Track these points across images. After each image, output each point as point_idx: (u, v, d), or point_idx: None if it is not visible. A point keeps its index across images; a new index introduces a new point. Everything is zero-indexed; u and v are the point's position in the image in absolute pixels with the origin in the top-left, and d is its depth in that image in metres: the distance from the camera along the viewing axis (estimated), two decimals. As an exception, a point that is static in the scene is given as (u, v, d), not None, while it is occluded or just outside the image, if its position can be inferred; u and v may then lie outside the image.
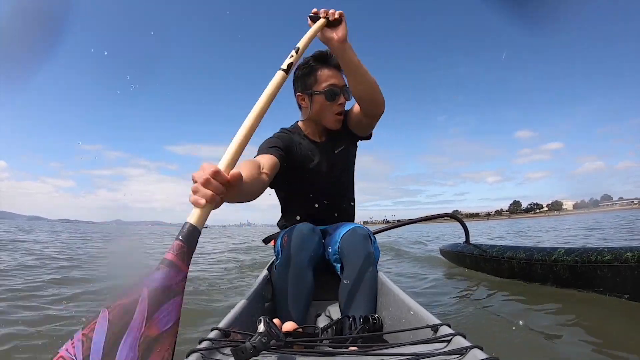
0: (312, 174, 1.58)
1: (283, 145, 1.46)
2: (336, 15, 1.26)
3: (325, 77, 1.53)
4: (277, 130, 1.63)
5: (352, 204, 1.74)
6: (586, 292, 2.10)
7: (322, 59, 1.54)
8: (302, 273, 1.21)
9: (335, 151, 1.62)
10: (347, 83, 1.54)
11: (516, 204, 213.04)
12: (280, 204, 1.73)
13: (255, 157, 1.35)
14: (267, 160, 1.29)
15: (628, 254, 1.84)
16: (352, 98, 1.54)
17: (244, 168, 1.02)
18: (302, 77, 1.57)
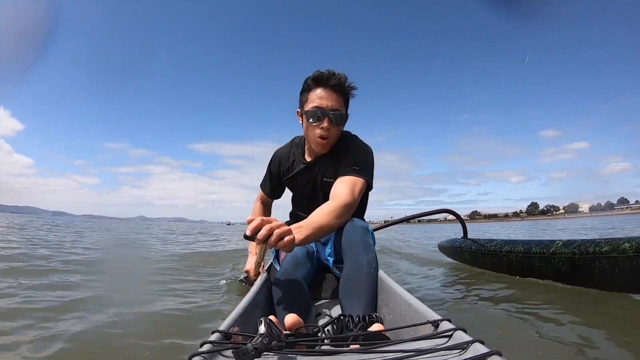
0: (301, 193, 1.73)
1: (273, 174, 1.83)
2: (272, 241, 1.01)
3: (315, 97, 1.50)
4: (293, 137, 1.81)
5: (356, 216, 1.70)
6: (586, 287, 2.10)
7: (318, 80, 1.50)
8: (297, 290, 1.23)
9: (325, 179, 1.61)
10: (339, 108, 1.50)
11: (534, 206, 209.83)
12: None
13: (260, 187, 1.95)
14: (264, 198, 1.93)
15: (626, 244, 1.83)
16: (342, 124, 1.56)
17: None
18: (301, 94, 1.58)
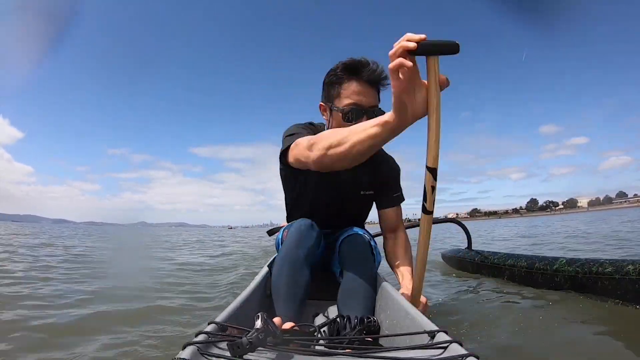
0: (318, 193, 1.50)
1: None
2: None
3: (350, 92, 1.29)
4: (305, 122, 1.52)
5: (359, 223, 1.63)
6: (588, 298, 2.10)
7: (352, 69, 1.29)
8: (298, 269, 1.18)
9: (363, 192, 1.53)
10: (376, 104, 1.31)
11: (533, 202, 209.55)
12: (286, 207, 1.67)
13: (292, 140, 1.23)
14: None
15: (630, 266, 1.85)
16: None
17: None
18: (327, 86, 1.36)
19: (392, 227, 1.56)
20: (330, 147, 0.99)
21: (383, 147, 1.31)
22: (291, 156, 1.21)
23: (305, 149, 1.10)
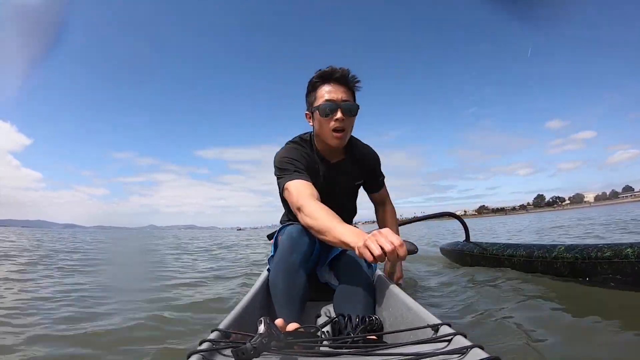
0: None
1: (303, 165, 1.53)
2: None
3: (324, 92, 1.49)
4: (291, 138, 1.68)
5: (350, 217, 1.82)
6: (589, 285, 2.09)
7: (323, 76, 1.50)
8: (293, 274, 1.25)
9: (356, 182, 1.72)
10: (349, 99, 1.51)
11: (540, 198, 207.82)
12: (282, 203, 1.72)
13: (291, 179, 1.44)
14: (308, 187, 1.42)
15: (628, 250, 1.85)
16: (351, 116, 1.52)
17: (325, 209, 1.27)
18: (307, 96, 1.58)
19: (382, 201, 1.87)
20: (309, 226, 1.26)
21: (360, 138, 1.71)
22: (285, 196, 1.46)
23: (294, 205, 1.36)
